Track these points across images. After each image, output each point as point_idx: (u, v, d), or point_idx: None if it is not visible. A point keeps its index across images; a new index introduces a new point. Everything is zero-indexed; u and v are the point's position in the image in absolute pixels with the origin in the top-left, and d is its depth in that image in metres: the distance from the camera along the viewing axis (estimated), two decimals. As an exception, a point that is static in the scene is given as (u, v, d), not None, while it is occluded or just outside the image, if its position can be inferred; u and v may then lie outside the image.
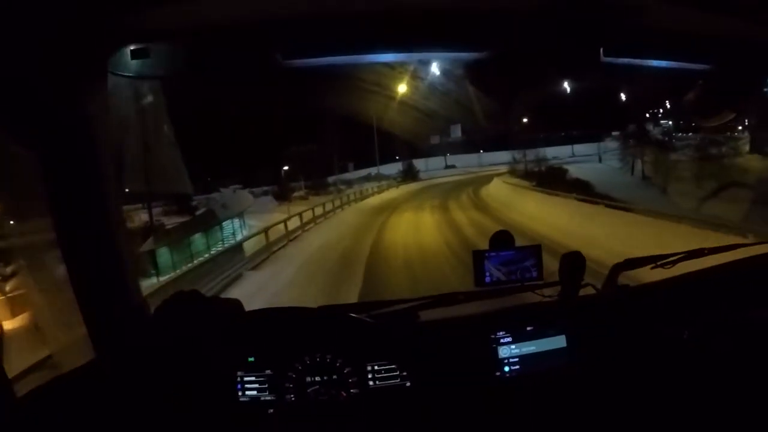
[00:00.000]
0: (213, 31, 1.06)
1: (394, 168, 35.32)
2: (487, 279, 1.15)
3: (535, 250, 1.17)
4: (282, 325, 1.07)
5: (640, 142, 22.23)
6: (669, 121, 24.51)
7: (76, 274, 0.94)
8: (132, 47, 1.02)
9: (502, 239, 1.17)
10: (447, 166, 38.59)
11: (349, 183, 30.75)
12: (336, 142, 30.76)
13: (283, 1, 1.00)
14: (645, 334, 1.13)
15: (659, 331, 1.13)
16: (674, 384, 1.07)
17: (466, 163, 37.90)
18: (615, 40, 1.20)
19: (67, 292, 0.94)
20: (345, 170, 33.53)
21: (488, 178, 25.45)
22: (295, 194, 26.21)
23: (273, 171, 29.12)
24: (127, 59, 1.04)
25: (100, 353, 0.95)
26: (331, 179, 31.26)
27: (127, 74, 1.09)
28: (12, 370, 0.80)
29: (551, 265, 1.23)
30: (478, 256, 1.14)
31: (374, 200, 21.53)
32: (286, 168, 29.15)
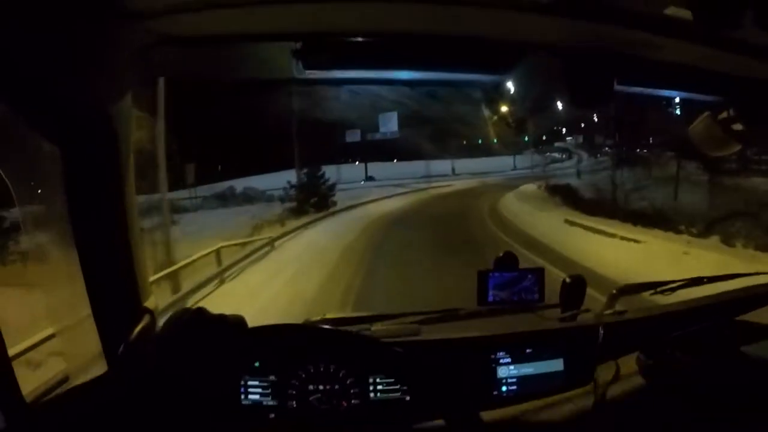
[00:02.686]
0: (238, 38, 1.08)
1: (278, 181, 17.54)
2: (490, 298, 1.17)
3: (538, 273, 1.20)
4: (288, 336, 1.09)
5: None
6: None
7: (90, 275, 0.95)
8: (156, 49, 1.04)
9: (507, 261, 1.20)
10: (368, 178, 23.53)
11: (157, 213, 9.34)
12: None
13: (310, 14, 1.02)
14: (639, 362, 1.16)
15: (652, 360, 1.15)
16: (668, 412, 1.09)
17: (400, 172, 23.80)
18: (629, 71, 1.22)
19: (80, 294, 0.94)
20: (178, 184, 15.12)
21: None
22: (24, 241, 7.13)
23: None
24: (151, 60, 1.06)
25: (112, 362, 0.96)
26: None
27: (152, 75, 1.11)
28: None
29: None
30: (482, 276, 1.17)
31: None
32: None
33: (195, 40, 1.05)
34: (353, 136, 18.40)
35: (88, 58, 0.88)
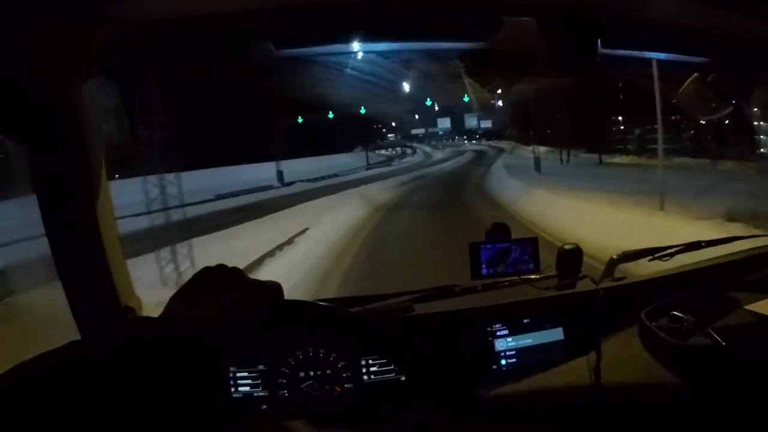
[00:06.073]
0: (207, 21, 1.04)
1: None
2: (484, 271, 1.13)
3: (531, 243, 1.16)
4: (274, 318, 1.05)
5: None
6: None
7: (66, 275, 0.91)
8: (123, 38, 1.01)
9: (498, 232, 1.16)
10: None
11: None
12: None
13: None
14: (641, 327, 1.12)
15: (655, 324, 1.12)
16: (669, 377, 1.06)
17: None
18: (612, 32, 1.19)
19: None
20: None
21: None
22: None
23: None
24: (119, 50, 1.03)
25: (86, 337, 0.92)
26: None
27: (119, 66, 1.08)
28: None
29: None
30: (474, 249, 1.13)
31: None
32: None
33: (161, 25, 1.01)
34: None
35: (52, 50, 0.84)
